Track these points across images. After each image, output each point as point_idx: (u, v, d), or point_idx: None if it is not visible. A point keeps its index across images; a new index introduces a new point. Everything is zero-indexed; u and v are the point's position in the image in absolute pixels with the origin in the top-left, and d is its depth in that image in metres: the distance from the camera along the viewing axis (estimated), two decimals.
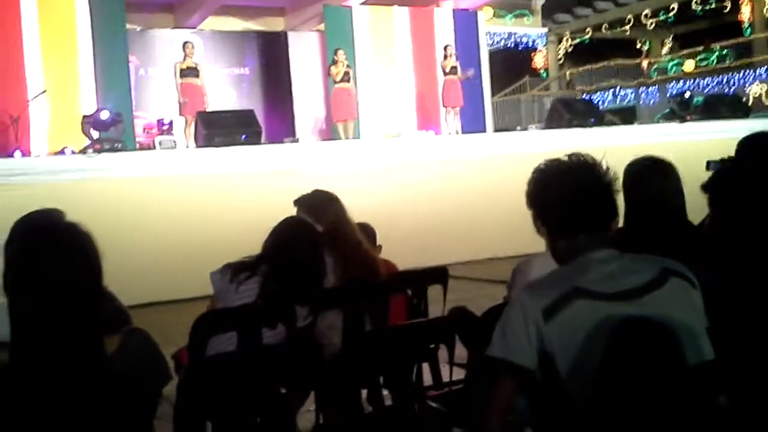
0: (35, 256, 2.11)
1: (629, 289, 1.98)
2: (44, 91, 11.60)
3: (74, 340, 2.11)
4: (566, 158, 2.15)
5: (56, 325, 2.08)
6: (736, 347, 2.05)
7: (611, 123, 11.95)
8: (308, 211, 3.63)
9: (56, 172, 8.17)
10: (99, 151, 8.68)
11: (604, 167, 2.12)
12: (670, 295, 1.99)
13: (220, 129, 9.45)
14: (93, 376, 2.12)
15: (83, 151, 8.87)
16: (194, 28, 14.77)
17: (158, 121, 12.13)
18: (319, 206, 3.66)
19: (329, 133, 14.31)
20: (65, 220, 2.37)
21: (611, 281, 1.99)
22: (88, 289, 2.14)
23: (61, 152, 9.43)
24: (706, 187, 2.39)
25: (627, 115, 18.77)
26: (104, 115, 9.61)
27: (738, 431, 2.02)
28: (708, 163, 3.44)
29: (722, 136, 9.83)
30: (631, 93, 24.83)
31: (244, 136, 9.38)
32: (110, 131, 9.51)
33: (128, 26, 13.06)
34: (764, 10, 22.29)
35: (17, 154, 9.38)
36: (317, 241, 3.32)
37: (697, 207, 3.10)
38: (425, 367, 3.73)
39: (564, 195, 2.10)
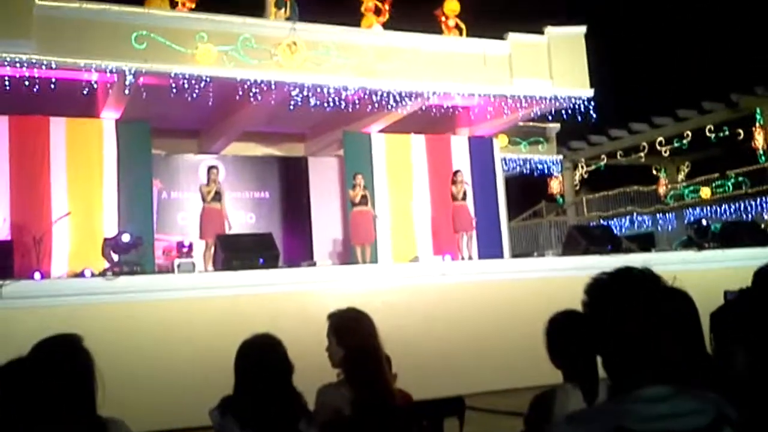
0: (36, 385, 2.14)
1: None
2: (68, 213, 11.83)
3: None
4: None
5: None
6: None
7: (629, 250, 11.94)
8: (332, 329, 3.61)
9: (75, 294, 8.22)
10: (118, 273, 8.75)
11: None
12: None
13: (238, 252, 9.54)
14: None
15: (102, 274, 8.94)
16: (217, 153, 15.16)
17: (178, 243, 12.26)
18: (344, 327, 3.60)
19: (347, 256, 14.37)
20: (72, 348, 2.40)
21: (660, 422, 1.83)
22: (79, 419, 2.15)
23: (81, 274, 9.50)
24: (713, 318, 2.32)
25: (645, 242, 18.81)
26: (125, 238, 9.76)
27: None
28: (726, 293, 3.41)
29: (740, 264, 9.78)
30: (649, 219, 24.95)
31: (262, 260, 9.46)
32: (130, 254, 9.63)
33: (153, 151, 13.44)
34: None
35: (36, 275, 9.46)
36: (284, 358, 3.30)
37: None
38: None
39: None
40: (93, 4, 11.60)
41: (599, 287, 2.05)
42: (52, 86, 11.30)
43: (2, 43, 10.68)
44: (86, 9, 11.47)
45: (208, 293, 8.91)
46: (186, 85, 11.87)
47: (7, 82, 11.15)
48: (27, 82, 11.09)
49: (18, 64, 10.80)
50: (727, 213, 22.41)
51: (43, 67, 10.95)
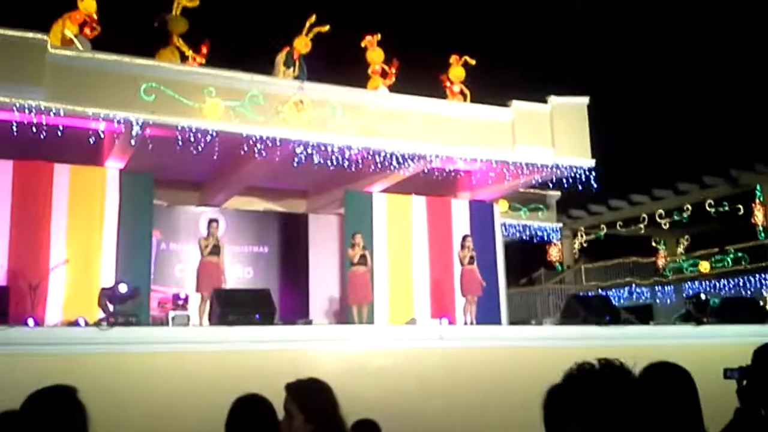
0: None
1: None
2: (66, 261, 11.79)
3: None
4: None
5: None
6: None
7: (627, 321, 11.85)
8: (294, 400, 3.45)
9: (68, 344, 8.14)
10: (112, 324, 8.68)
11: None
12: None
13: (235, 307, 9.48)
14: None
15: (97, 324, 8.87)
16: (219, 206, 15.20)
17: (174, 295, 12.20)
18: (308, 398, 3.42)
19: (343, 315, 14.29)
20: (67, 401, 2.37)
21: None
22: None
23: (75, 323, 9.43)
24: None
25: (643, 314, 18.68)
26: (122, 288, 9.70)
27: None
28: (725, 370, 3.37)
29: (739, 341, 9.70)
30: (647, 291, 24.87)
31: (258, 316, 9.39)
32: (126, 304, 9.56)
33: (155, 202, 13.47)
34: None
35: (30, 322, 9.39)
36: (275, 420, 3.26)
37: (713, 414, 3.01)
38: None
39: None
40: (105, 54, 11.78)
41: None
42: (59, 133, 11.39)
43: (14, 89, 10.80)
44: (98, 59, 11.65)
45: (201, 347, 8.82)
46: (192, 138, 11.96)
47: (14, 127, 11.22)
48: (35, 129, 11.17)
49: (27, 110, 10.89)
50: (726, 288, 22.35)
51: (52, 114, 11.04)
